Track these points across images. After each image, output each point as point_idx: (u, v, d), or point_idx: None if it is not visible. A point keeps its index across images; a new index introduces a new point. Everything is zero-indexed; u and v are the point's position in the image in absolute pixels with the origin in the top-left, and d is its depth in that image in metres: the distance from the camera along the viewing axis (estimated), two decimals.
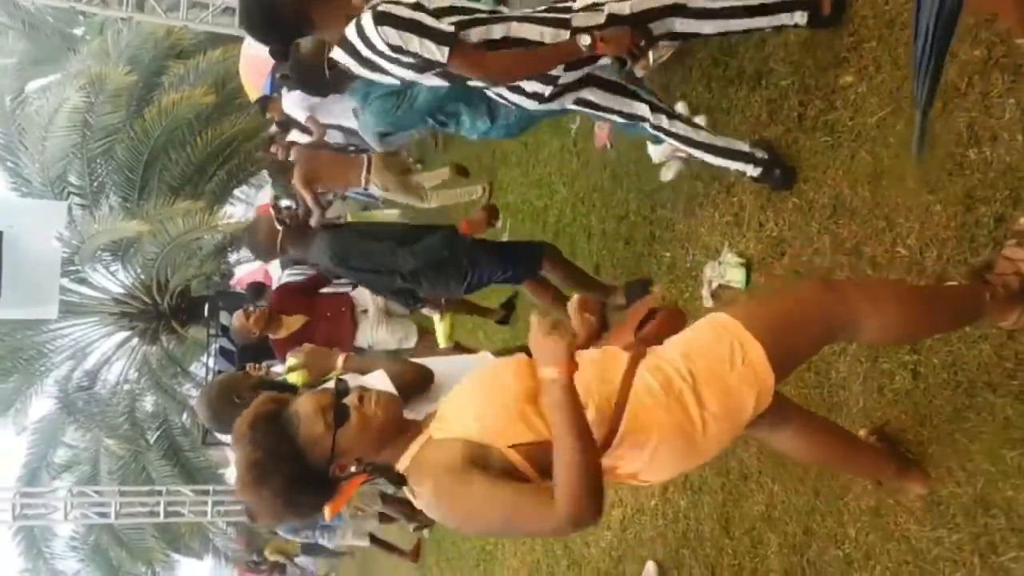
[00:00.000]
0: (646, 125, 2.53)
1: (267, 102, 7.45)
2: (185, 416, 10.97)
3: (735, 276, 2.81)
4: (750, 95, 2.86)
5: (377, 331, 4.83)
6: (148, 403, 11.55)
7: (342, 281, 4.68)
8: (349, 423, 1.52)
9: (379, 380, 2.44)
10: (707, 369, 1.52)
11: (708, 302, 2.99)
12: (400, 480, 1.56)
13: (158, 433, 11.11)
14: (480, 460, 1.45)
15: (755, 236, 2.78)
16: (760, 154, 2.59)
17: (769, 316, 1.57)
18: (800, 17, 2.38)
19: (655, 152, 3.42)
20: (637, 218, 3.61)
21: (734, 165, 2.60)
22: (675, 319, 1.72)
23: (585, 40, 2.21)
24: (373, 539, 7.37)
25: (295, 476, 1.53)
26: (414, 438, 1.56)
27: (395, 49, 2.16)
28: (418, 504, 1.55)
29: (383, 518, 7.05)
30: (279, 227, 3.62)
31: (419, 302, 4.05)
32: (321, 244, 3.61)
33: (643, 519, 3.26)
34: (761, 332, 1.52)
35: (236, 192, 12.04)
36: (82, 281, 10.63)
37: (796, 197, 2.59)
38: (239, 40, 8.57)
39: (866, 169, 2.32)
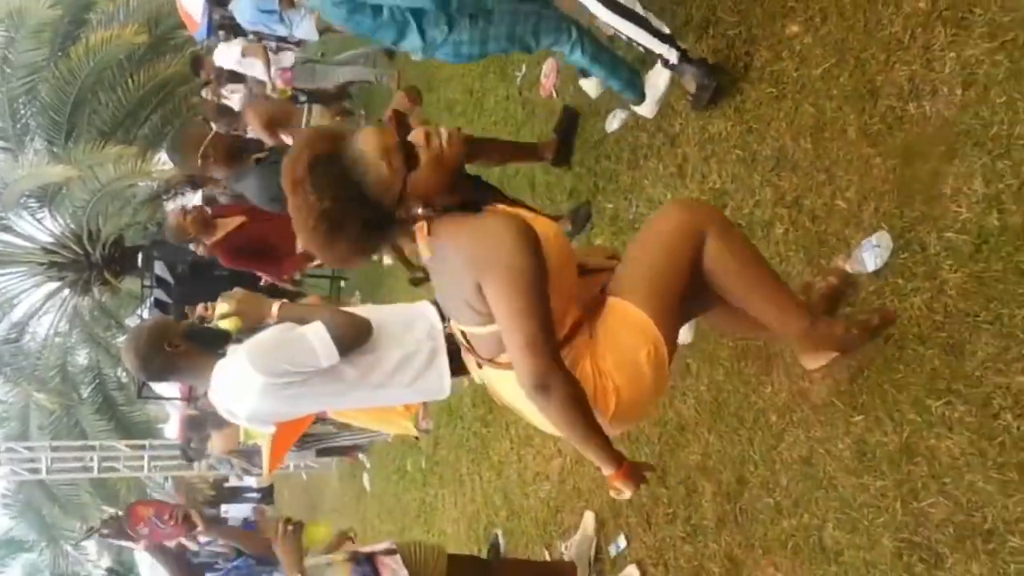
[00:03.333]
0: None
1: (200, 62, 7.19)
2: (120, 370, 10.66)
3: None
4: (696, 44, 2.81)
5: None
6: (81, 356, 11.18)
7: None
8: (419, 168, 1.48)
9: (317, 332, 2.36)
10: (628, 377, 1.69)
11: None
12: (477, 207, 1.55)
13: (91, 387, 10.80)
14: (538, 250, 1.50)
15: (698, 188, 2.76)
16: (682, 44, 2.62)
17: (656, 289, 1.68)
18: None
19: (588, 86, 3.42)
20: (581, 169, 3.57)
21: (659, 48, 2.61)
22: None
23: None
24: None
25: (367, 222, 1.48)
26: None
27: None
28: (462, 243, 1.51)
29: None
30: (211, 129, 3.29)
31: None
32: (256, 181, 3.40)
33: (581, 470, 3.29)
34: (657, 315, 1.67)
35: None
36: (7, 229, 10.15)
37: (740, 149, 2.57)
38: None
39: (809, 121, 2.31)
